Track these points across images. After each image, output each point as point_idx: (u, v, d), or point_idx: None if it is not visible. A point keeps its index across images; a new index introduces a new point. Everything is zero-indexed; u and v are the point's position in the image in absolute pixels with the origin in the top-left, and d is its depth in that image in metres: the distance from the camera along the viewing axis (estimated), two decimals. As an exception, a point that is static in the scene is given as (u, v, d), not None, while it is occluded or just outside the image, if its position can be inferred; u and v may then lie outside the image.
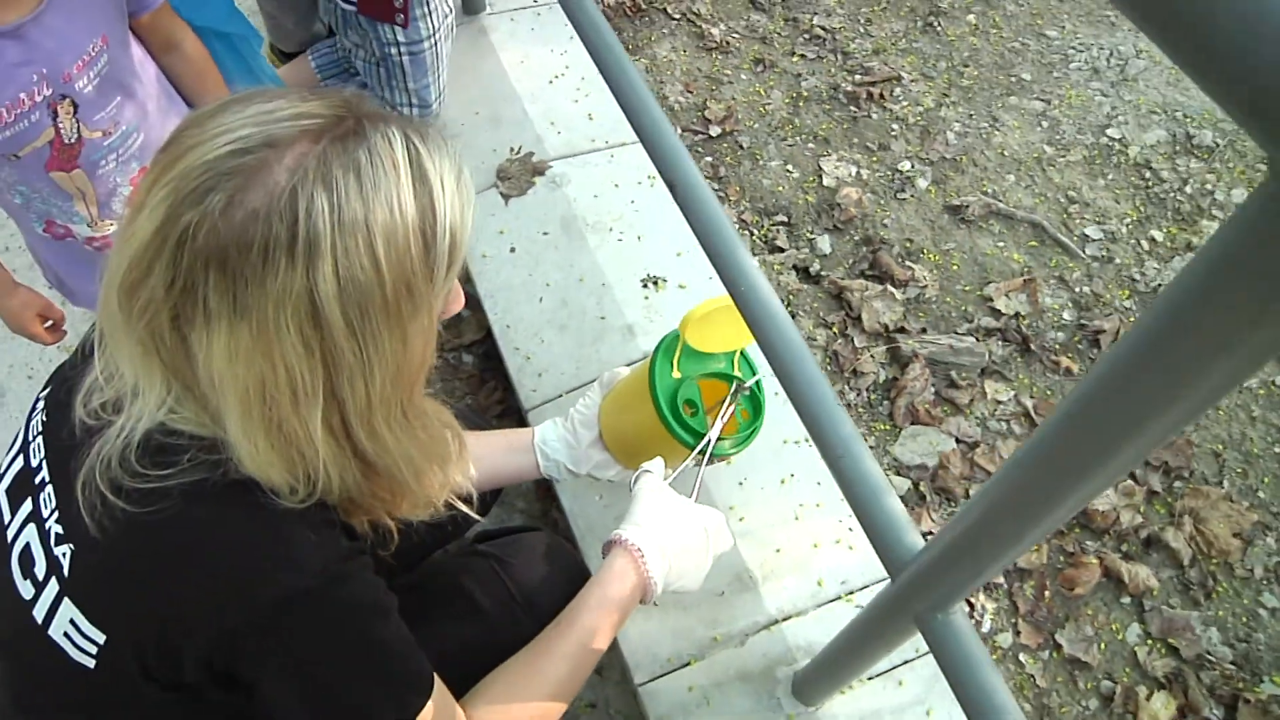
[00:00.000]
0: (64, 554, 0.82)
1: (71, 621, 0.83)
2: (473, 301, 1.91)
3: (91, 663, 0.83)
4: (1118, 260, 2.17)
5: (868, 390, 1.98)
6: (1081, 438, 0.64)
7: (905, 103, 2.52)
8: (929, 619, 0.88)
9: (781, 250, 2.20)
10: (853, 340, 2.04)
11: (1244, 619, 1.72)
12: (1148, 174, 2.32)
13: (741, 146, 2.40)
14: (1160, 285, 2.13)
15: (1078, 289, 2.12)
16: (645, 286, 1.90)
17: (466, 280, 1.92)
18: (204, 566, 0.78)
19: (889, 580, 0.95)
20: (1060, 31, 2.70)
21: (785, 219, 2.26)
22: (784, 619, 1.54)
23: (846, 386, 1.98)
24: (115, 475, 0.77)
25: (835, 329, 2.06)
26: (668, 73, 2.56)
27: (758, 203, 2.30)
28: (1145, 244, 2.19)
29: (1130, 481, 1.85)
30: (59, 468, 0.85)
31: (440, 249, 0.75)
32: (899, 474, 1.87)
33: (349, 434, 0.78)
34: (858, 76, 2.58)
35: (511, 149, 2.09)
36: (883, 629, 0.99)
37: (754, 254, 2.20)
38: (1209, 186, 2.28)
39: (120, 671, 0.83)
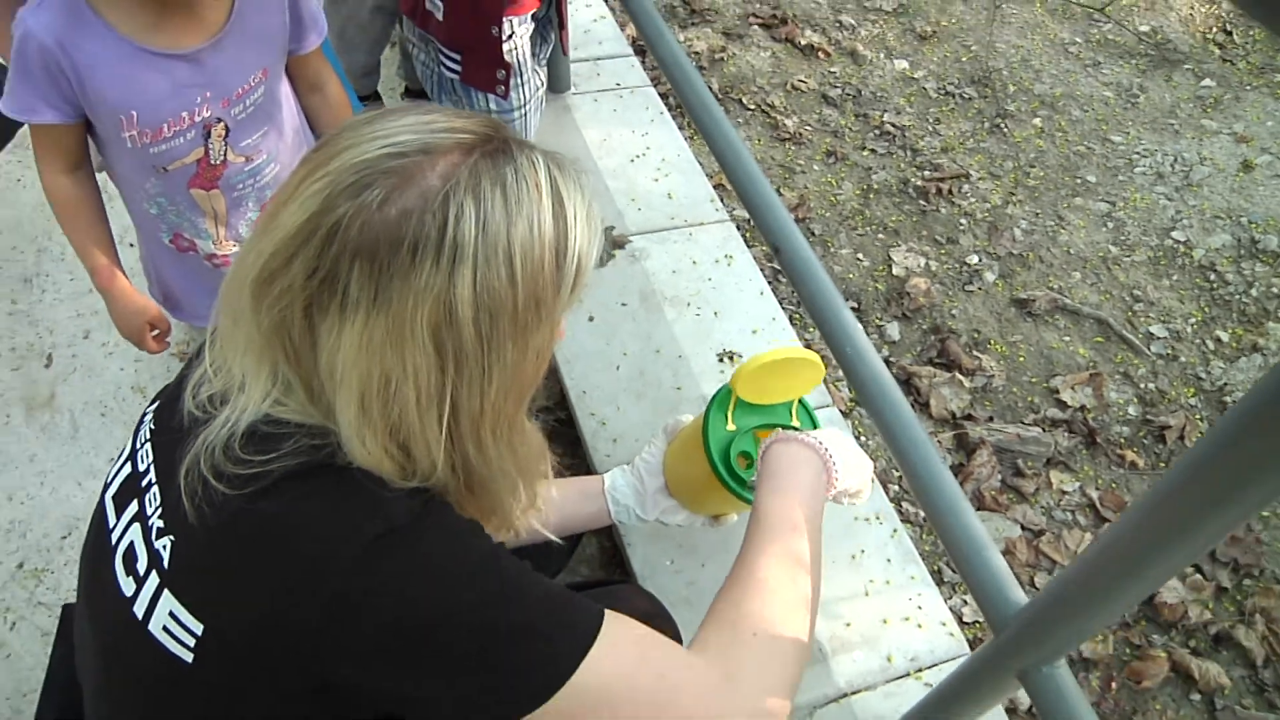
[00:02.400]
0: (164, 546, 0.84)
1: (171, 614, 0.83)
2: (549, 367, 1.97)
3: (189, 656, 0.82)
4: (1183, 359, 2.20)
5: (934, 474, 2.00)
6: (1198, 491, 0.68)
7: (973, 199, 2.59)
8: (1034, 673, 0.90)
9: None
10: (927, 415, 2.07)
11: (1318, 724, 1.70)
12: (1212, 276, 2.36)
13: (813, 233, 2.48)
14: (1226, 384, 2.15)
15: (1143, 385, 2.15)
16: (721, 361, 1.96)
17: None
18: (289, 548, 0.78)
19: (991, 636, 0.97)
20: (1125, 137, 2.78)
21: (855, 305, 2.32)
22: (853, 692, 1.55)
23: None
24: (217, 462, 0.78)
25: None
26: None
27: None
28: (1210, 344, 2.22)
29: (1198, 576, 1.85)
30: (165, 464, 0.87)
31: (568, 271, 0.79)
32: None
33: (457, 440, 0.80)
34: (926, 172, 2.66)
35: (597, 253, 2.17)
36: (982, 683, 1.00)
37: (822, 341, 2.26)
38: (1276, 290, 2.32)
39: (217, 665, 0.82)
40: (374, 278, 0.72)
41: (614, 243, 2.15)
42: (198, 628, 0.80)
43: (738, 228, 2.25)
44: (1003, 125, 2.82)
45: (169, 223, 1.37)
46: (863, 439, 2.06)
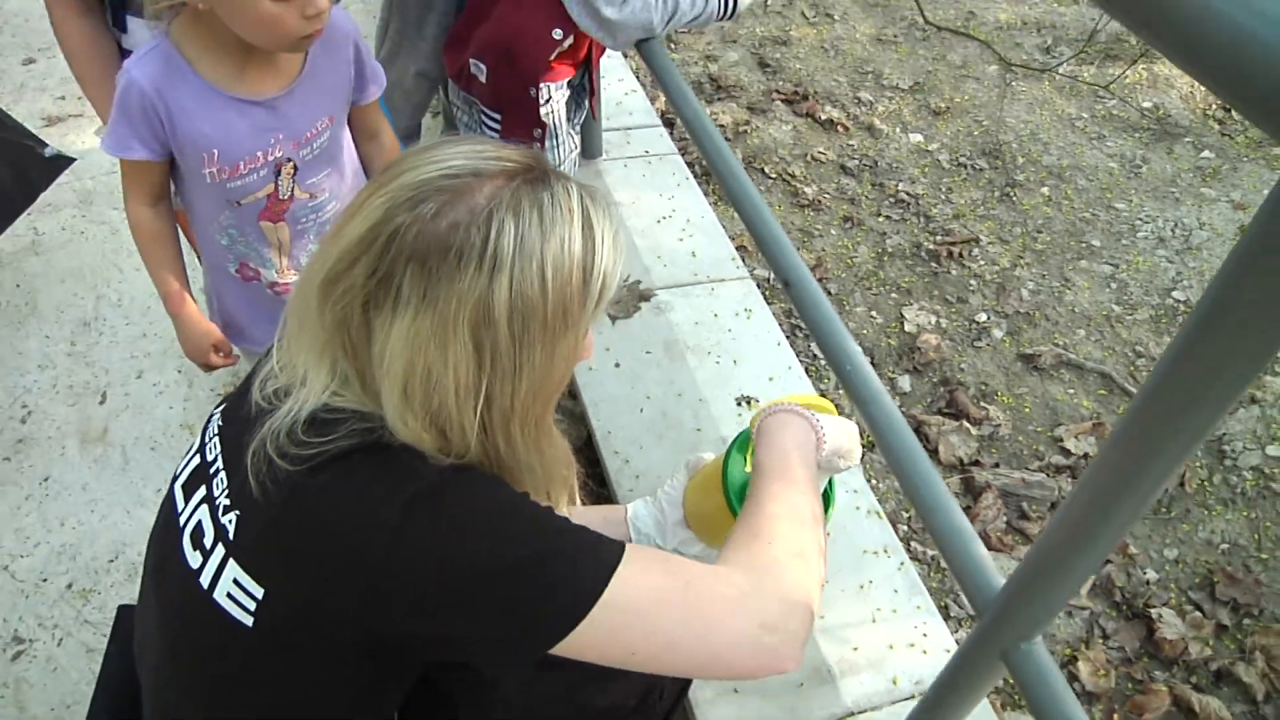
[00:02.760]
0: (230, 520, 0.93)
1: (235, 581, 0.91)
2: (575, 413, 2.11)
3: (250, 620, 0.90)
4: (1184, 410, 2.29)
5: (943, 516, 2.10)
6: (1132, 454, 0.79)
7: (983, 262, 2.72)
8: (1014, 652, 1.00)
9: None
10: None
11: (1316, 757, 1.76)
12: (1213, 334, 2.47)
13: (830, 292, 2.61)
14: (1224, 435, 2.24)
15: (1146, 435, 2.24)
16: (739, 405, 2.08)
17: (572, 391, 2.12)
18: (337, 513, 0.87)
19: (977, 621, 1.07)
20: (1128, 205, 2.91)
21: (869, 359, 2.44)
22: (860, 712, 1.63)
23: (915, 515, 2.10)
24: (281, 444, 0.88)
25: (913, 458, 2.20)
26: (762, 224, 2.82)
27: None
28: (1211, 397, 2.32)
29: (1198, 614, 1.92)
30: (233, 450, 0.97)
31: (593, 288, 0.89)
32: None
33: (489, 432, 0.90)
34: (938, 237, 2.80)
35: (621, 276, 2.32)
36: (969, 667, 1.10)
37: (836, 389, 2.38)
38: (1272, 347, 2.41)
39: (275, 627, 0.91)
40: (424, 279, 0.83)
41: (640, 295, 2.29)
42: (259, 591, 0.90)
43: (757, 285, 2.39)
44: (1012, 194, 2.97)
45: (237, 253, 1.51)
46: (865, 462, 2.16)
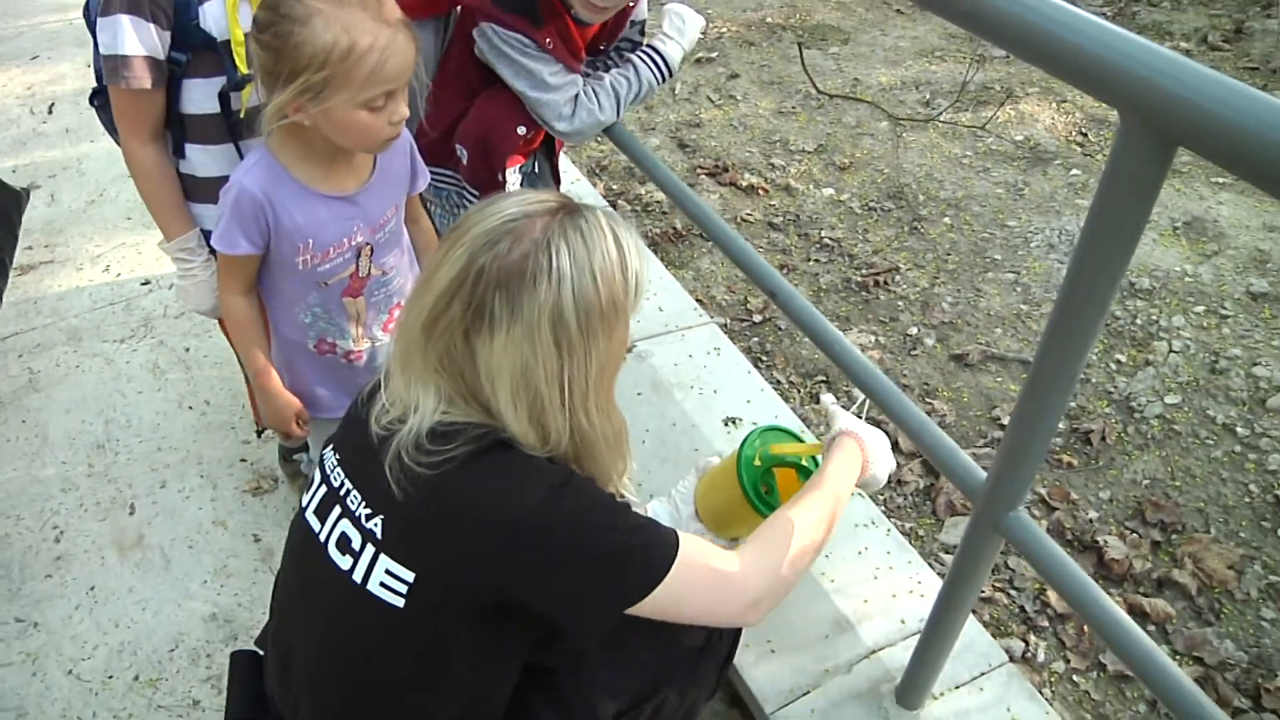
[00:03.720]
0: (376, 524, 1.16)
1: (387, 571, 1.14)
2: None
3: (401, 602, 1.13)
4: (1094, 380, 2.71)
5: (912, 495, 2.45)
6: (1051, 360, 1.15)
7: (905, 286, 3.14)
8: (1004, 520, 1.33)
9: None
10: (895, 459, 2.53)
11: (1250, 630, 2.12)
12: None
13: (780, 328, 2.99)
14: (1130, 394, 2.65)
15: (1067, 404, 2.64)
16: (726, 425, 2.42)
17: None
18: (480, 500, 1.11)
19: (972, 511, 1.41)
20: (1018, 221, 3.38)
21: (824, 378, 2.81)
22: (879, 649, 1.94)
23: (894, 493, 2.45)
24: (411, 454, 1.11)
25: (878, 452, 2.56)
26: (711, 279, 3.20)
27: (800, 368, 2.85)
28: (1113, 365, 2.75)
29: (1135, 535, 2.29)
30: (359, 472, 1.20)
31: (631, 284, 1.15)
32: (948, 554, 2.31)
33: (573, 412, 1.15)
34: (864, 271, 3.21)
35: (647, 274, 2.66)
36: (973, 542, 1.42)
37: (803, 405, 2.73)
38: (1154, 317, 2.87)
39: (426, 603, 1.13)
40: (509, 300, 1.08)
41: (624, 349, 2.63)
42: (409, 575, 1.13)
43: (719, 328, 2.75)
44: (919, 226, 3.41)
45: (318, 330, 1.74)
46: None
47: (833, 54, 4.62)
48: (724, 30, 4.88)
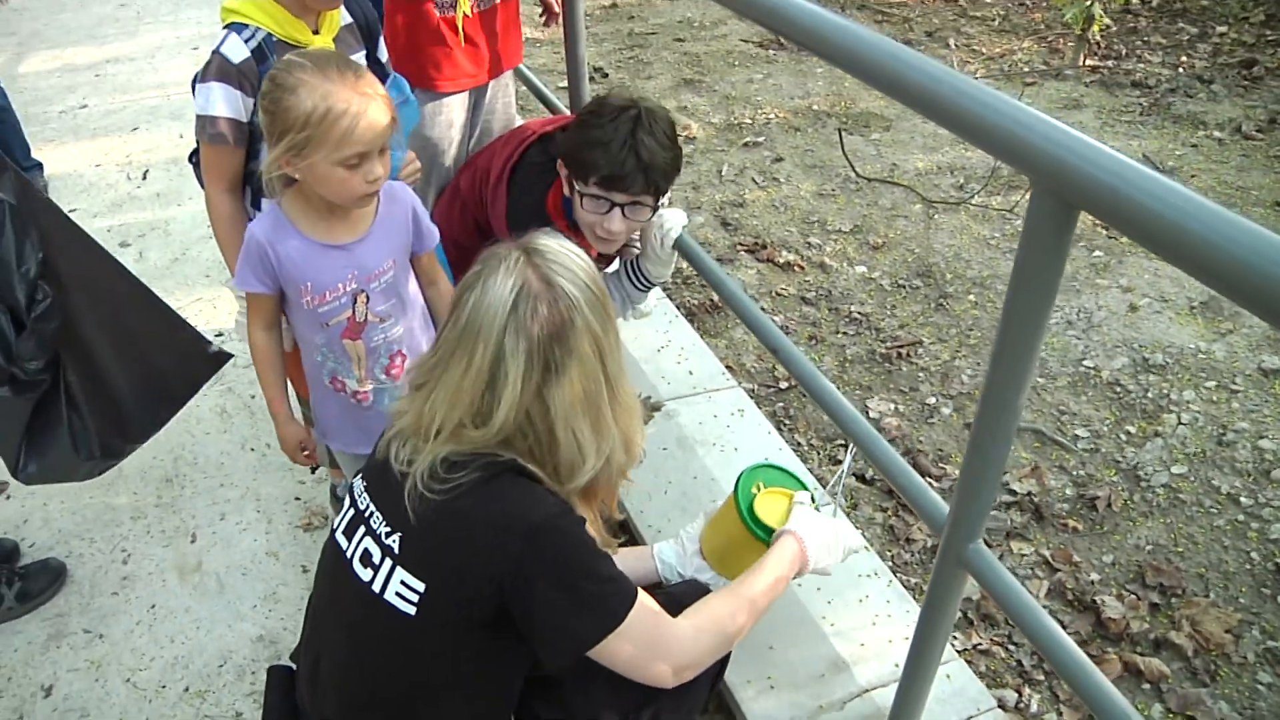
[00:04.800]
0: (394, 540, 1.32)
1: (401, 582, 1.30)
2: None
3: (412, 610, 1.29)
4: (1103, 450, 2.81)
5: (919, 552, 2.57)
6: (994, 398, 1.31)
7: (927, 358, 3.28)
8: (964, 552, 1.46)
9: (841, 462, 2.87)
10: (903, 518, 2.65)
11: (1246, 694, 2.18)
12: (1118, 389, 3.02)
13: (804, 395, 3.14)
14: (1138, 463, 2.75)
15: (1074, 472, 2.75)
16: (743, 479, 2.56)
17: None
18: (487, 520, 1.27)
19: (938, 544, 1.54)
20: (1040, 300, 3.51)
21: (843, 441, 2.95)
22: (871, 689, 2.06)
23: (901, 550, 2.57)
24: (427, 482, 1.28)
25: (889, 511, 2.68)
26: (743, 347, 3.38)
27: (820, 432, 3.00)
28: (1123, 436, 2.85)
29: (1134, 597, 2.37)
30: (382, 496, 1.36)
31: (608, 304, 1.37)
32: (952, 607, 2.41)
33: (616, 408, 1.38)
34: (888, 343, 3.36)
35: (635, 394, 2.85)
36: (940, 574, 1.54)
37: (820, 466, 2.87)
38: (1165, 391, 2.97)
39: (434, 611, 1.29)
40: (562, 345, 1.29)
41: (652, 407, 2.81)
42: (420, 586, 1.30)
43: (745, 392, 2.92)
44: (945, 303, 3.56)
45: (329, 368, 1.94)
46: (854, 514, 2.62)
47: (874, 140, 4.83)
48: (771, 116, 5.13)
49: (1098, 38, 5.51)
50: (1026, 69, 5.54)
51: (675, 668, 1.39)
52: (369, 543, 1.37)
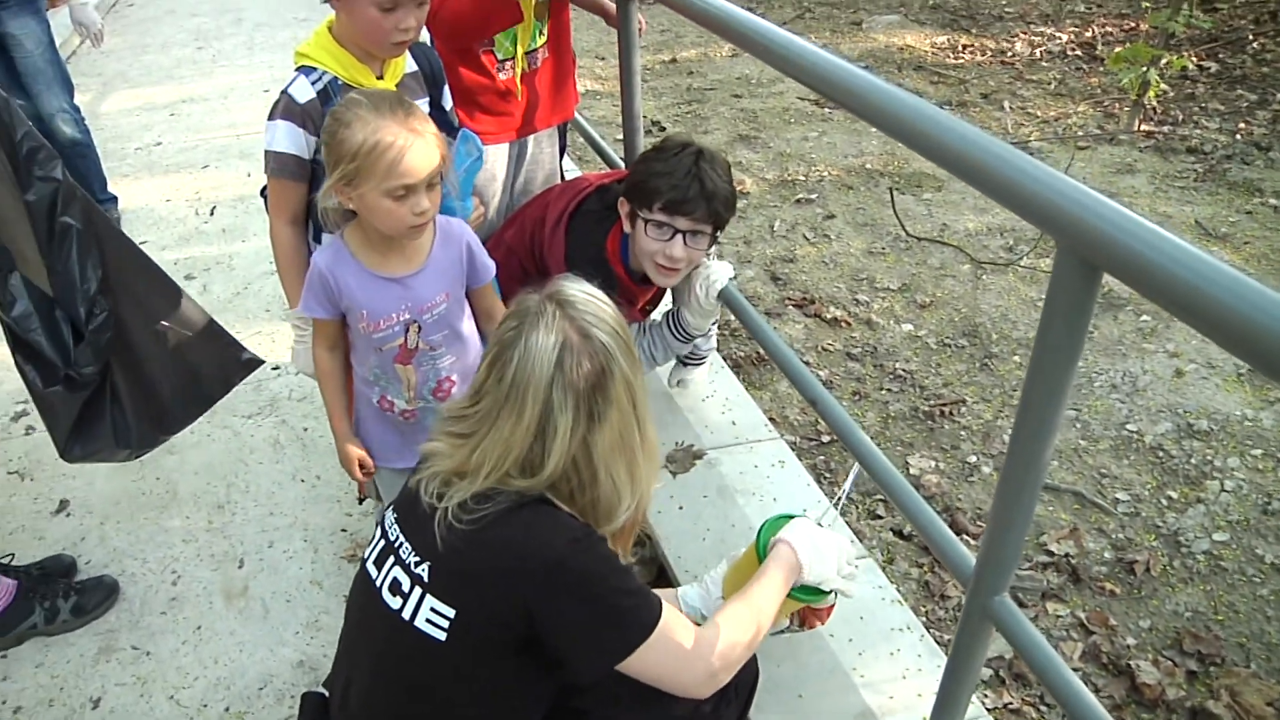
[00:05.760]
0: (424, 570, 1.37)
1: (431, 609, 1.34)
2: (649, 555, 2.62)
3: (443, 635, 1.33)
4: (1144, 514, 2.79)
5: (953, 609, 2.56)
6: (1022, 453, 1.34)
7: (970, 417, 3.29)
8: (990, 604, 1.48)
9: (880, 518, 2.88)
10: (939, 574, 2.65)
11: (1281, 769, 2.15)
12: (1161, 454, 3.00)
13: (845, 449, 3.16)
14: (1179, 529, 2.73)
15: (1114, 536, 2.73)
16: (779, 529, 2.59)
17: (648, 534, 2.64)
18: (515, 545, 1.32)
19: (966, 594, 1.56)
20: (1085, 362, 3.50)
21: (882, 496, 2.96)
22: (898, 742, 2.06)
23: (936, 605, 2.57)
24: (456, 514, 1.33)
25: (925, 567, 2.69)
26: (788, 400, 3.42)
27: (860, 486, 3.02)
28: (1164, 501, 2.83)
29: (1171, 664, 2.35)
30: (412, 527, 1.41)
31: (635, 352, 1.43)
32: (985, 665, 2.40)
33: (646, 447, 1.45)
34: (932, 401, 3.38)
35: (677, 442, 2.90)
36: (966, 625, 1.56)
37: (859, 520, 2.89)
38: (1209, 457, 2.95)
39: (466, 636, 1.32)
40: (602, 395, 1.36)
41: (694, 455, 2.85)
42: (450, 612, 1.34)
43: (789, 445, 2.95)
44: (990, 363, 3.57)
45: (380, 388, 2.04)
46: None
47: (925, 200, 4.87)
48: (825, 174, 5.20)
49: (1154, 103, 5.51)
50: (1081, 133, 5.56)
51: (708, 673, 1.42)
52: (398, 572, 1.41)
